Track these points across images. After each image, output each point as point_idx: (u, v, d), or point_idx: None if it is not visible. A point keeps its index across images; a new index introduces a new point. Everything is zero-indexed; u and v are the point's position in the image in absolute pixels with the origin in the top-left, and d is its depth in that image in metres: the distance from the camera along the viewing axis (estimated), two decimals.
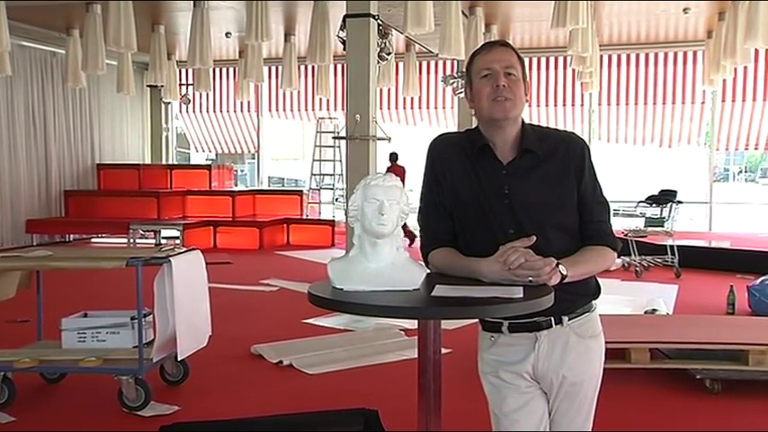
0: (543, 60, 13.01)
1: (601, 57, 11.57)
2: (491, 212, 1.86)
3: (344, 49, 8.13)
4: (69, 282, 6.94)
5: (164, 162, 14.49)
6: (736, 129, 12.33)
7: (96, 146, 12.86)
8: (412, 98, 13.23)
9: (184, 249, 4.10)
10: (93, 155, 12.79)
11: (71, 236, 12.04)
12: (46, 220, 11.51)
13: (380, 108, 13.19)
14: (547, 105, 13.11)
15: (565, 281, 1.75)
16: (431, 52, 10.64)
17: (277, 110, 14.74)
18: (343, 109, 11.80)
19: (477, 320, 1.96)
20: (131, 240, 10.89)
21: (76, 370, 3.93)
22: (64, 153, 12.07)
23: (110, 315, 4.15)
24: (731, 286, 6.26)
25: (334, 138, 11.18)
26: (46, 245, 10.72)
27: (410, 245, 8.67)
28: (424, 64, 13.41)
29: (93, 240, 12.18)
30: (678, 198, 8.55)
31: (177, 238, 10.83)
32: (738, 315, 5.99)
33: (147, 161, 14.30)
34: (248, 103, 14.19)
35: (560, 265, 1.74)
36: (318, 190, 13.59)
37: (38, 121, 11.45)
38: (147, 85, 13.53)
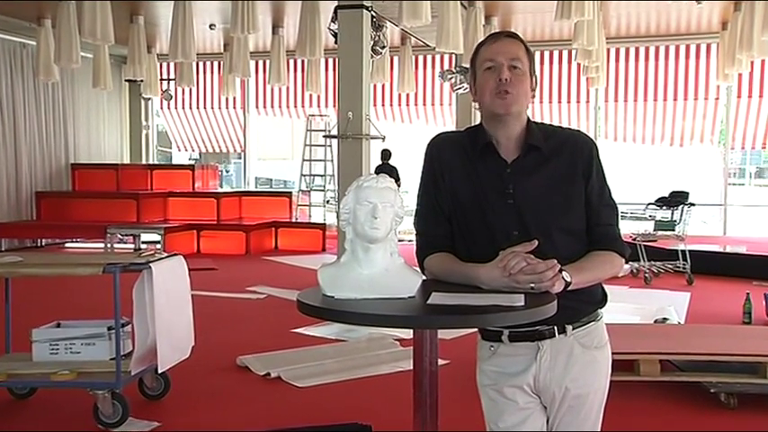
0: (547, 54, 13.05)
1: (608, 50, 11.61)
2: (493, 214, 1.87)
3: (336, 43, 8.15)
4: (41, 289, 6.92)
5: (143, 162, 14.47)
6: (752, 126, 12.39)
7: (71, 144, 12.83)
8: (408, 94, 13.25)
9: (166, 255, 4.09)
10: (68, 154, 12.76)
11: (43, 240, 12.01)
12: (16, 223, 11.47)
13: (374, 105, 13.22)
14: (551, 102, 13.16)
15: (569, 288, 1.76)
16: (428, 46, 10.67)
17: (264, 107, 14.75)
18: (334, 106, 11.80)
19: (476, 330, 1.96)
20: (109, 245, 10.87)
21: (48, 384, 3.92)
22: (35, 152, 12.03)
23: (85, 325, 4.13)
24: (747, 294, 6.27)
25: (325, 136, 11.21)
26: (16, 250, 10.68)
27: None
28: (421, 58, 13.44)
29: (67, 245, 12.16)
30: (690, 200, 8.58)
31: (158, 242, 10.81)
32: (755, 325, 6.01)
33: (126, 161, 14.28)
34: (234, 99, 14.20)
35: (564, 272, 1.74)
36: (308, 192, 13.60)
37: (6, 117, 11.41)
38: (126, 80, 13.53)
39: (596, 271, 1.87)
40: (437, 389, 1.80)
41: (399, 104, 13.91)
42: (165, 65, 13.70)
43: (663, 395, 4.26)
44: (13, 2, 9.60)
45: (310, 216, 13.50)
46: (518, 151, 1.89)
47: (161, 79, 13.33)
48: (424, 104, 13.88)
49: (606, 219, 1.92)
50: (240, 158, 16.26)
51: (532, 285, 1.71)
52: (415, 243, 1.99)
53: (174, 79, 13.20)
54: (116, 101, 14.15)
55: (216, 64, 14.21)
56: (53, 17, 9.40)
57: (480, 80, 1.88)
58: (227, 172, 21.03)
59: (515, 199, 1.86)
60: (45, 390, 4.17)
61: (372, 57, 8.82)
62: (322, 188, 13.44)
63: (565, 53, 12.86)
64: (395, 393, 4.19)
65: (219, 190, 14.18)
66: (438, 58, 13.29)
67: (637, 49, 12.72)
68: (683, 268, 8.38)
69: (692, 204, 8.58)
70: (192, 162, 17.47)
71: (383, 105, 13.93)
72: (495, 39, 1.90)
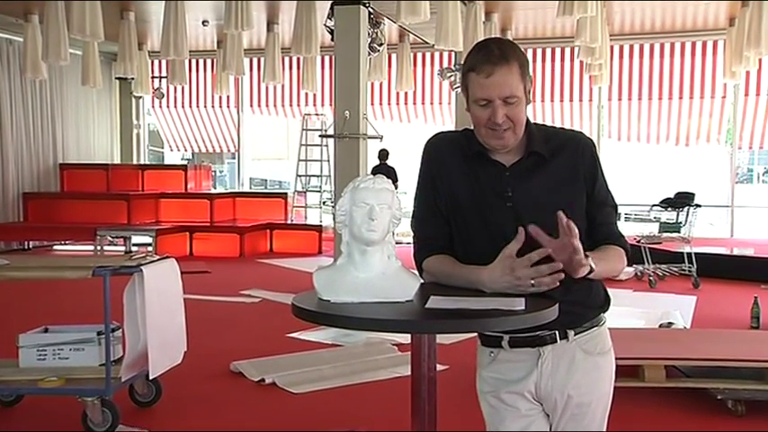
0: (548, 52, 13.07)
1: (611, 47, 11.62)
2: (492, 216, 1.87)
3: (332, 40, 8.16)
4: (28, 293, 6.91)
5: (134, 162, 14.47)
6: (760, 125, 12.40)
7: (59, 144, 12.81)
8: (406, 93, 13.26)
9: (157, 257, 4.09)
10: (56, 154, 12.74)
11: (31, 243, 11.99)
12: (2, 225, 11.45)
13: (371, 104, 13.22)
14: (552, 101, 13.17)
15: (578, 284, 1.76)
16: (426, 43, 10.67)
17: (259, 105, 14.75)
18: (330, 105, 11.78)
19: (475, 335, 1.97)
20: (98, 248, 10.86)
21: (35, 391, 3.91)
22: (22, 152, 12.01)
23: (73, 330, 4.12)
24: (755, 298, 6.28)
25: (322, 136, 11.19)
26: (2, 253, 10.67)
27: None
28: (419, 56, 13.45)
29: (55, 248, 12.14)
30: (696, 201, 8.59)
31: (149, 245, 10.81)
32: (763, 329, 6.02)
33: (117, 161, 14.28)
34: (227, 97, 14.20)
35: (590, 257, 1.74)
36: (304, 192, 13.60)
37: None
38: (116, 78, 13.55)
39: (611, 262, 1.88)
40: (436, 395, 1.81)
41: (397, 103, 13.91)
42: (156, 62, 13.68)
43: (668, 402, 4.26)
44: None
45: (306, 218, 13.49)
46: (518, 155, 1.89)
47: (152, 77, 13.33)
48: (423, 103, 13.89)
49: (609, 218, 1.95)
50: (234, 158, 16.25)
51: (533, 282, 1.71)
52: (412, 245, 1.99)
53: (165, 77, 13.18)
54: (106, 99, 14.14)
55: (209, 61, 14.20)
56: (41, 13, 9.40)
57: (473, 111, 1.85)
58: (221, 172, 21.03)
59: (514, 202, 1.86)
60: (32, 397, 4.16)
61: (370, 54, 8.83)
62: (318, 189, 13.44)
63: (567, 50, 12.87)
64: (392, 400, 4.19)
65: (213, 191, 14.19)
66: (437, 55, 13.29)
67: (641, 47, 12.73)
68: (689, 271, 8.38)
69: (698, 206, 8.59)
70: (185, 162, 17.46)
71: (381, 104, 13.94)
72: (489, 71, 1.78)
